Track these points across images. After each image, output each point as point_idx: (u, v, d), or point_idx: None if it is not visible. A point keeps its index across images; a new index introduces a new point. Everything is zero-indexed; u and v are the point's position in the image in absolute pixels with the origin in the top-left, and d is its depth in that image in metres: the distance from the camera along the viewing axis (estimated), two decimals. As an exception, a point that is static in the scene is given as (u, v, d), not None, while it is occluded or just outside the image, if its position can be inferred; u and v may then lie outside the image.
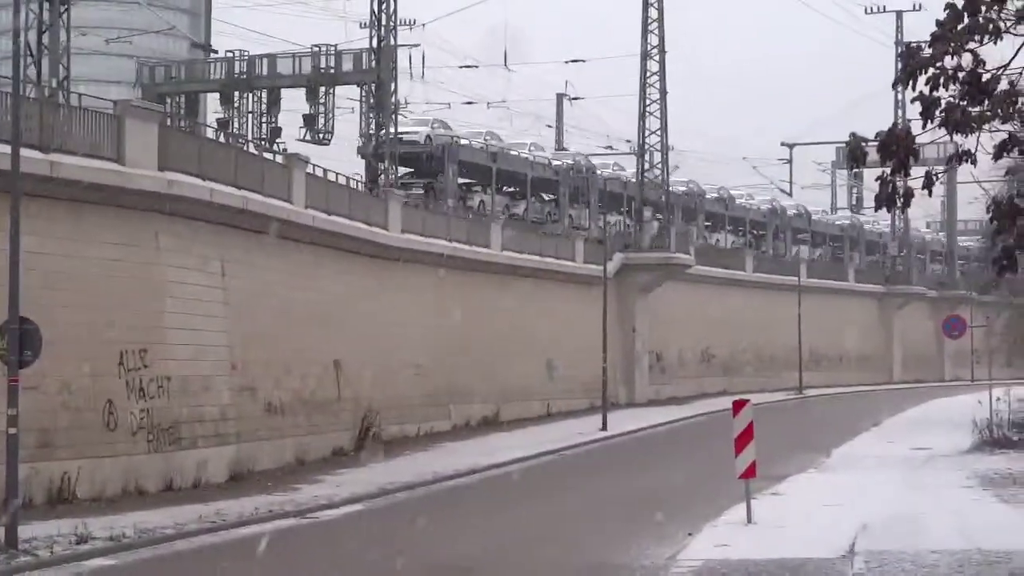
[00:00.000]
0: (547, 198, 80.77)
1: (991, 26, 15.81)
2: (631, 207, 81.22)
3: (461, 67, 77.15)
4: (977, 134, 16.50)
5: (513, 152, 77.15)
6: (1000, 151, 17.17)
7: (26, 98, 31.06)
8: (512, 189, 79.27)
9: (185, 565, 24.00)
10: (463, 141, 73.26)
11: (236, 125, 64.39)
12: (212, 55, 67.63)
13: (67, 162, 31.69)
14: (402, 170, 68.58)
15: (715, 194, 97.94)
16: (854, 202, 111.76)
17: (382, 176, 59.10)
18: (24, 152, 25.53)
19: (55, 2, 45.67)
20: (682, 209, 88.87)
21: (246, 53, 65.96)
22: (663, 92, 78.87)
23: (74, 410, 31.41)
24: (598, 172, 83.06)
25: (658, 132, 79.57)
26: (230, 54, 66.66)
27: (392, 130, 61.01)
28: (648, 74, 78.86)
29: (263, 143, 61.07)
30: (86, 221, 32.41)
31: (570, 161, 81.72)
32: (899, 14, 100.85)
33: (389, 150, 60.31)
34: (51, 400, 29.57)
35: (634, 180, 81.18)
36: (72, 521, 26.35)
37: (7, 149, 24.97)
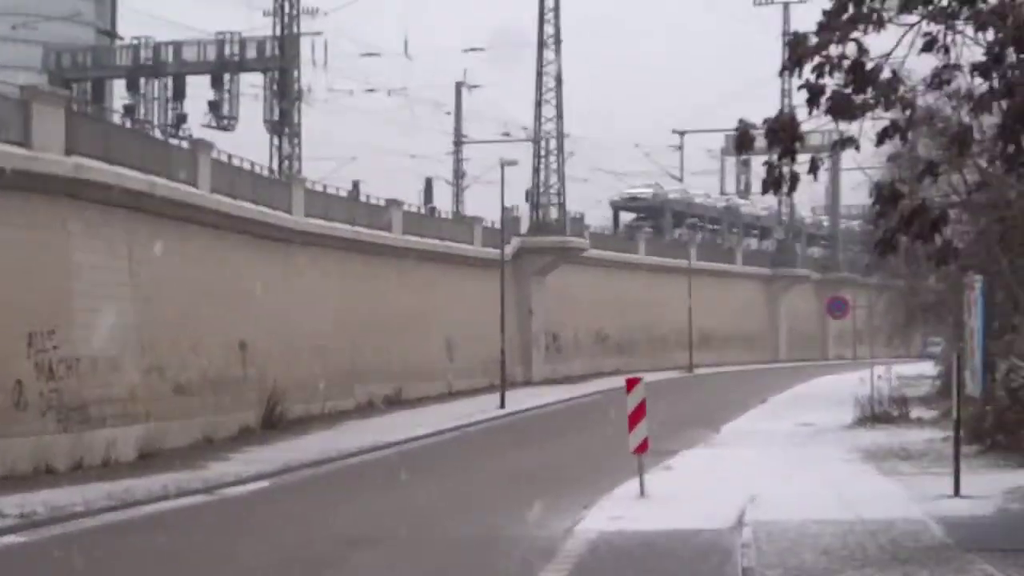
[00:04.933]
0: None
1: (875, 16, 16.00)
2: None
3: (363, 55, 76.75)
4: (860, 121, 16.69)
5: (697, 201, 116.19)
6: (882, 137, 17.38)
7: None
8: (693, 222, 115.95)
9: (94, 542, 23.79)
10: (671, 195, 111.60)
11: (143, 111, 64.02)
12: (118, 42, 67.02)
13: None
14: (632, 215, 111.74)
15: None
16: (742, 187, 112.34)
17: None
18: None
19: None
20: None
21: (152, 40, 65.46)
22: (559, 80, 79.11)
23: (-14, 390, 31.16)
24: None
25: (554, 120, 79.74)
26: (136, 41, 66.21)
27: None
28: (545, 63, 78.99)
29: (169, 129, 60.78)
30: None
31: (724, 203, 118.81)
32: (786, 5, 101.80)
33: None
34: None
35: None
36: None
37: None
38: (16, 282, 32.47)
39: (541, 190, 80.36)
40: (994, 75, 15.99)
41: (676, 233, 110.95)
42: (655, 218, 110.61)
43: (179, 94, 65.02)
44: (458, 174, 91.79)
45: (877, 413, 46.21)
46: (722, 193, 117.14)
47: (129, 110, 63.68)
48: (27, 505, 26.04)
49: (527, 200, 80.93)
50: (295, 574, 19.48)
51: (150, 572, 20.74)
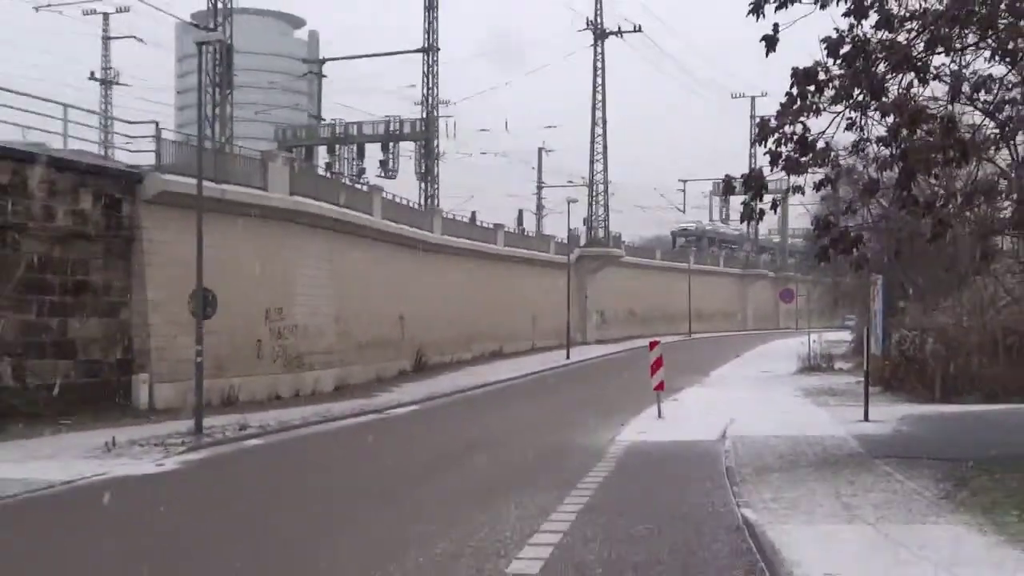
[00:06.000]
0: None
1: (814, 106, 15.93)
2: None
3: (479, 130, 76.88)
4: (805, 175, 16.63)
5: (721, 230, 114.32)
6: (819, 186, 17.40)
7: (205, 149, 31.06)
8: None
9: (306, 442, 24.09)
10: (707, 227, 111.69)
11: (337, 167, 64.34)
12: (322, 122, 67.37)
13: (231, 189, 31.85)
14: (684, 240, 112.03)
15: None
16: (724, 217, 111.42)
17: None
18: (205, 183, 25.57)
19: (223, 88, 45.70)
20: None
21: (343, 120, 65.87)
22: (605, 147, 78.74)
23: (237, 346, 31.62)
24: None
25: (602, 172, 79.59)
26: (333, 121, 66.54)
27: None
28: (596, 135, 78.81)
29: (354, 178, 61.12)
30: (244, 227, 32.49)
31: (738, 232, 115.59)
32: (753, 98, 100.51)
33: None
34: (222, 340, 29.63)
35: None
36: (236, 416, 26.62)
37: (194, 181, 25.01)
38: (258, 277, 32.95)
39: (593, 218, 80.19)
40: (893, 146, 15.90)
41: (711, 250, 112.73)
42: (697, 241, 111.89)
43: (360, 155, 65.36)
44: (539, 207, 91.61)
45: (812, 365, 45.92)
46: (710, 221, 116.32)
47: (328, 166, 64.04)
48: (264, 420, 26.45)
49: (584, 224, 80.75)
50: (436, 464, 19.59)
51: (342, 458, 20.96)
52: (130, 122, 32.21)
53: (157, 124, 30.64)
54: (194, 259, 24.10)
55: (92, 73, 68.83)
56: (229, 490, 17.68)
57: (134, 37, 65.49)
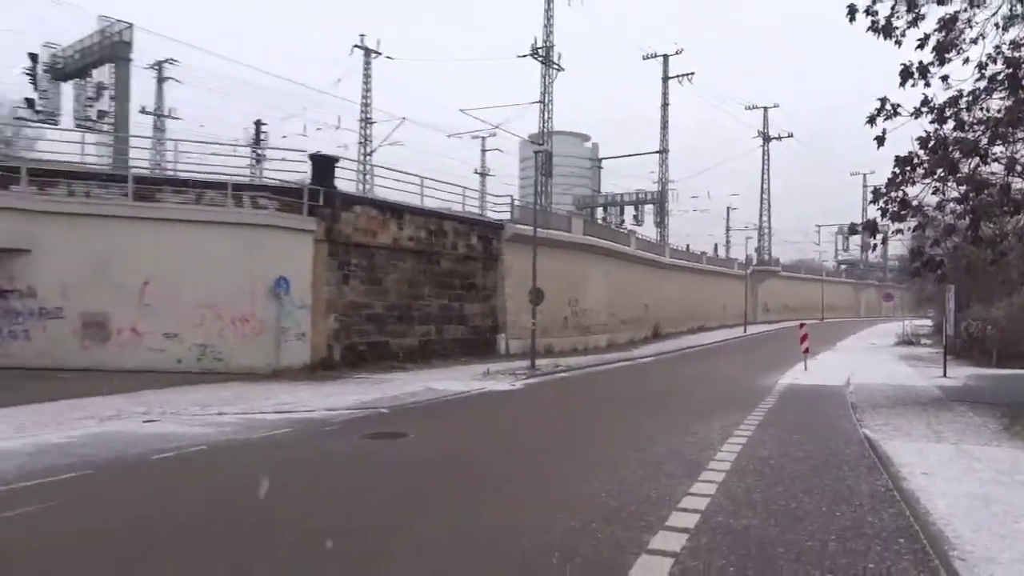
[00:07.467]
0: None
1: (910, 180, 14.68)
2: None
3: (691, 197, 75.26)
4: (905, 222, 15.32)
5: (859, 257, 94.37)
6: (914, 229, 16.00)
7: (535, 210, 31.97)
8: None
9: (593, 376, 24.17)
10: (851, 257, 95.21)
11: (609, 219, 64.26)
12: (599, 194, 67.36)
13: (552, 232, 32.42)
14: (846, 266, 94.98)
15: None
16: (845, 248, 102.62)
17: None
18: (537, 230, 26.22)
19: (546, 176, 46.69)
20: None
21: (612, 194, 65.70)
22: (769, 206, 75.07)
23: (552, 320, 32.18)
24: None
25: (767, 221, 75.59)
26: (606, 193, 66.45)
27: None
28: (763, 199, 75.01)
29: (619, 225, 60.91)
30: (557, 254, 32.98)
31: (875, 260, 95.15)
32: (864, 175, 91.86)
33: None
34: (546, 316, 30.31)
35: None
36: (552, 360, 27.07)
37: (531, 228, 25.66)
38: (565, 280, 33.45)
39: (760, 248, 76.31)
40: (964, 204, 14.40)
41: (854, 273, 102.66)
42: (852, 265, 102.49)
43: (622, 212, 64.79)
44: (728, 242, 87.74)
45: (905, 340, 41.80)
46: (835, 251, 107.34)
47: (604, 219, 63.98)
48: (567, 363, 26.70)
49: (755, 252, 76.93)
50: (668, 392, 19.29)
51: (614, 385, 20.91)
52: (495, 195, 33.84)
53: (512, 197, 31.84)
54: (531, 271, 24.85)
55: (475, 169, 72.16)
56: (553, 399, 18.10)
57: (498, 149, 68.36)
